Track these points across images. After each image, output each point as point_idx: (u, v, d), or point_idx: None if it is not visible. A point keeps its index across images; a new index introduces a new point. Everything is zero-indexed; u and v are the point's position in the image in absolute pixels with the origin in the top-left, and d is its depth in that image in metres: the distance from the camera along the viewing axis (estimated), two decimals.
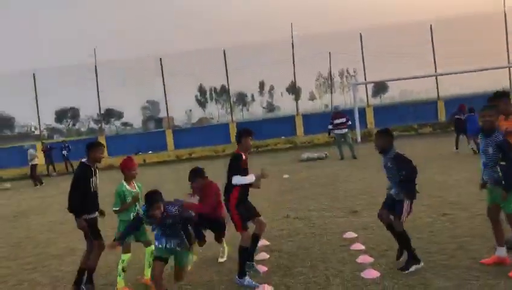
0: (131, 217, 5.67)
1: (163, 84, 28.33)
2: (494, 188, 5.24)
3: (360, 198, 9.76)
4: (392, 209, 5.52)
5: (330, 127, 17.51)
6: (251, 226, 5.87)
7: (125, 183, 5.87)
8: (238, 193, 5.64)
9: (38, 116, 29.31)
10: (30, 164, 20.85)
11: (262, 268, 5.93)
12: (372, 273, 5.33)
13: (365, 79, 28.39)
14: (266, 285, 5.29)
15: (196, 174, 6.29)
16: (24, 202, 15.60)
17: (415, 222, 7.21)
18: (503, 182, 5.08)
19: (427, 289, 4.84)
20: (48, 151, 24.90)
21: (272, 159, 20.38)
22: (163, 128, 41.53)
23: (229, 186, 5.65)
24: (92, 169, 5.88)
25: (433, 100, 28.54)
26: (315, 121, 26.61)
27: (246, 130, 5.87)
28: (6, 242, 9.39)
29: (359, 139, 22.85)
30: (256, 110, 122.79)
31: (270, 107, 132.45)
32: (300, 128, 27.08)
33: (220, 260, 6.46)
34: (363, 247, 6.38)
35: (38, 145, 26.54)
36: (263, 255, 6.49)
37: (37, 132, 37.24)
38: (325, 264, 5.90)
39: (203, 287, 5.58)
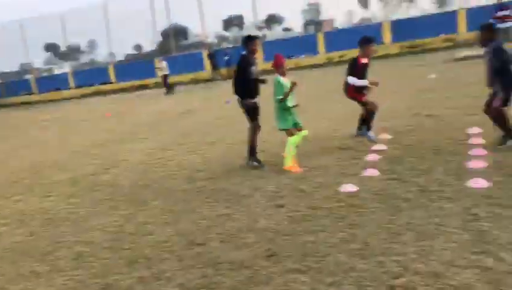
0: (292, 105, 6.37)
1: None
2: None
3: None
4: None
5: (491, 21, 15.85)
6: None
7: (280, 77, 6.39)
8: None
9: (204, 25, 32.10)
10: (161, 74, 23.79)
11: (375, 157, 6.48)
12: (478, 164, 5.51)
13: None
14: (371, 169, 5.88)
15: None
16: (192, 102, 18.03)
17: None
18: None
19: None
20: (211, 57, 27.61)
21: (421, 60, 19.47)
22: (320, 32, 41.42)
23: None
24: (251, 60, 6.61)
25: None
26: (480, 15, 23.82)
27: (367, 39, 7.34)
28: (175, 131, 11.44)
29: None
30: (424, 5, 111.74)
31: (441, 2, 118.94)
32: (462, 24, 24.62)
33: None
34: (482, 141, 6.43)
35: (205, 52, 29.43)
36: (380, 146, 6.95)
37: (209, 40, 40.85)
38: (435, 156, 6.19)
39: None
